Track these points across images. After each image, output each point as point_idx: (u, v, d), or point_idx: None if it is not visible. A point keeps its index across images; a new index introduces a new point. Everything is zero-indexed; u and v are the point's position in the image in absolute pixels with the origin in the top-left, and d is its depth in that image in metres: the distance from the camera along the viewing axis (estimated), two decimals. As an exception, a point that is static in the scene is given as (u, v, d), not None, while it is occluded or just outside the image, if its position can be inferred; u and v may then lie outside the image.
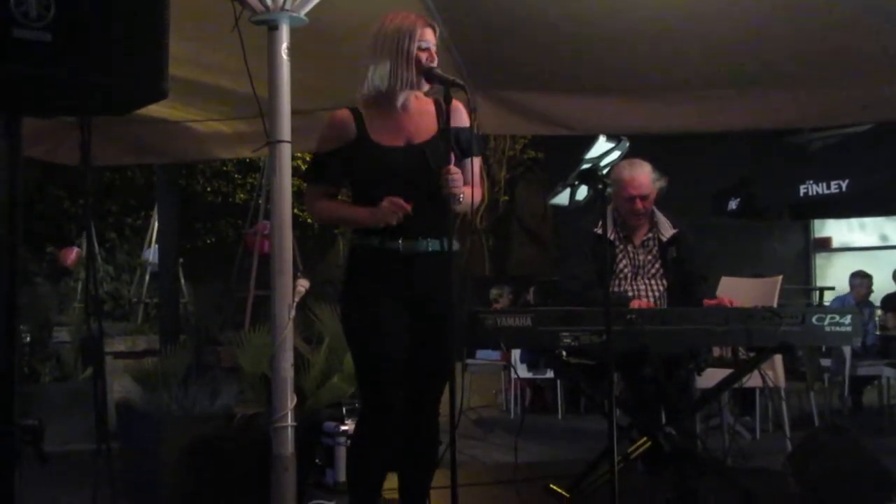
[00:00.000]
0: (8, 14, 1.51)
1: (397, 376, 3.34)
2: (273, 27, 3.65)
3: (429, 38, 3.32)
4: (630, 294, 4.55)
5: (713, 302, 4.38)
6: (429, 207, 3.28)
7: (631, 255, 4.65)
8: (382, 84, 3.30)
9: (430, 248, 3.33)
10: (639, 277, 4.63)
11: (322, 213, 3.54)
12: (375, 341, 3.33)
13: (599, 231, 4.16)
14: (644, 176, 4.58)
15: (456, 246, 3.35)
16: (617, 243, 4.64)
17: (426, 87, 3.36)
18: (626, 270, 4.63)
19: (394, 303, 3.33)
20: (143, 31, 1.69)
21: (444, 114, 3.27)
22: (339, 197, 3.55)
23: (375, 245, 3.32)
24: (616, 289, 4.55)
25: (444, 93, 3.20)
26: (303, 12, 3.68)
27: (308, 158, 4.90)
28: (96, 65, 1.63)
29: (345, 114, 3.37)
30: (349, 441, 4.38)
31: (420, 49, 3.28)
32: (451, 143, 3.27)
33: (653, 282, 4.63)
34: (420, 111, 3.43)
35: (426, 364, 3.38)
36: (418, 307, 3.36)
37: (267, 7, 3.62)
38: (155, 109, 5.62)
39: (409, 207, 3.22)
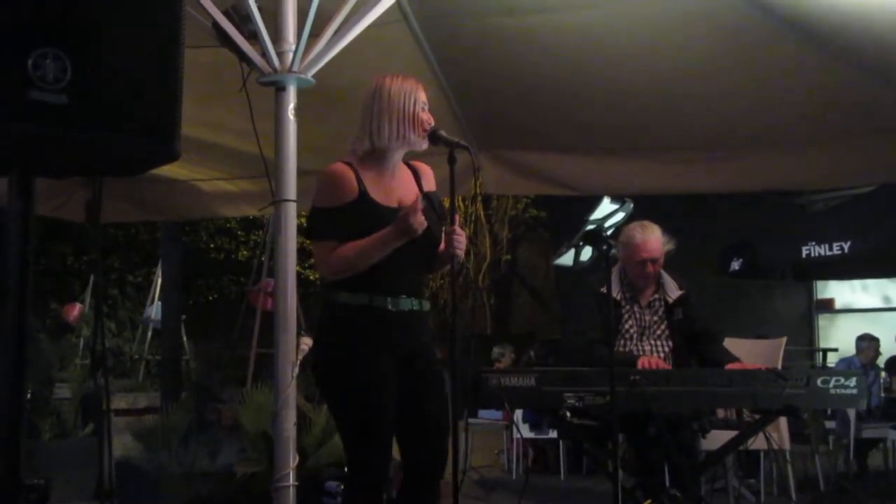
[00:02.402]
0: (25, 76, 1.53)
1: (388, 436, 3.31)
2: (280, 88, 3.68)
3: (425, 99, 3.37)
4: (636, 354, 4.54)
5: (736, 366, 4.36)
6: (414, 268, 3.35)
7: (637, 315, 4.66)
8: (387, 143, 3.31)
9: (413, 307, 3.35)
10: (644, 338, 4.63)
11: (346, 259, 3.27)
12: (367, 403, 3.27)
13: (605, 291, 4.18)
14: (655, 240, 4.60)
15: (427, 306, 3.40)
16: (623, 303, 4.65)
17: (426, 147, 3.39)
18: (632, 330, 4.63)
19: (382, 361, 3.29)
20: (158, 93, 1.71)
21: (418, 177, 3.44)
22: None
23: (364, 302, 3.28)
24: (622, 349, 4.55)
25: (448, 154, 3.25)
26: (310, 74, 3.72)
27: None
28: (111, 126, 1.64)
29: (346, 169, 3.31)
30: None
31: (422, 111, 3.33)
32: (436, 206, 3.36)
33: (658, 342, 4.63)
34: (402, 172, 3.45)
35: (419, 423, 3.35)
36: (406, 365, 3.34)
37: (275, 69, 3.65)
38: (161, 168, 5.65)
39: (421, 207, 3.18)
